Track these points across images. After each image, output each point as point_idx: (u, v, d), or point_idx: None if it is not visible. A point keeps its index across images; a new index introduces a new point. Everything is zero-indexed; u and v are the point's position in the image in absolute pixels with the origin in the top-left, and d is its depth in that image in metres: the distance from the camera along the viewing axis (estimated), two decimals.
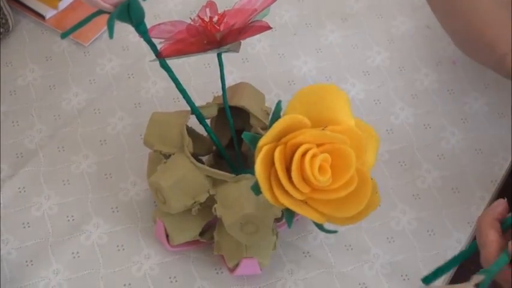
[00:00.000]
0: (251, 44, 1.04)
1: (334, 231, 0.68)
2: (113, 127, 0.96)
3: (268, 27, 0.75)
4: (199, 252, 0.87)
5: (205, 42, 0.75)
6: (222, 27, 0.76)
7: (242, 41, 0.76)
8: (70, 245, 0.87)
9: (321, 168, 0.58)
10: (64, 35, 0.75)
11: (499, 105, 1.00)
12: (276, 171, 0.59)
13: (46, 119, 0.96)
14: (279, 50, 1.04)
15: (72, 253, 0.86)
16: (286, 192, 0.59)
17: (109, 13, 0.74)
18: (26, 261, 0.85)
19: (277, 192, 0.59)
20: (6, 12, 1.01)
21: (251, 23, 0.76)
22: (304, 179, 0.59)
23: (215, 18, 0.76)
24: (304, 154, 0.58)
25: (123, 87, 1.00)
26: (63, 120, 0.96)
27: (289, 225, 0.64)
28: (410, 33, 1.07)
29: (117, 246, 0.87)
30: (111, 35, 0.70)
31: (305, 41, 1.05)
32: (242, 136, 0.63)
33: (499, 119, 0.99)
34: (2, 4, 1.00)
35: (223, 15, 0.77)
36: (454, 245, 0.89)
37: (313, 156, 0.58)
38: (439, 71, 1.03)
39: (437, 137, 0.97)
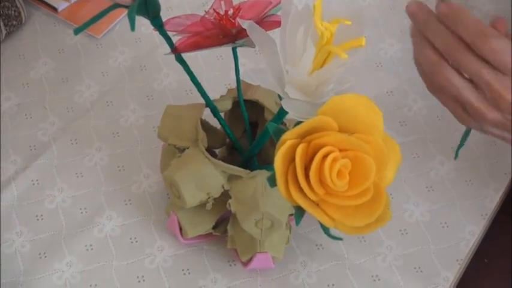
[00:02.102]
0: None
1: (339, 238, 0.68)
2: (126, 119, 0.96)
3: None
4: (212, 245, 0.87)
5: (220, 36, 0.75)
6: (237, 21, 0.75)
7: None
8: (83, 238, 0.87)
9: (339, 172, 0.58)
10: (77, 30, 0.75)
11: None
12: (294, 167, 0.59)
13: (59, 112, 0.97)
14: None
15: (85, 245, 0.86)
16: (301, 190, 0.59)
17: (125, 6, 0.74)
18: (40, 254, 0.86)
19: (292, 189, 0.59)
20: (19, 5, 1.01)
21: (265, 17, 0.75)
22: (321, 180, 0.59)
23: (230, 11, 0.76)
24: (325, 156, 0.58)
25: (135, 79, 1.00)
26: (75, 113, 0.97)
27: (297, 223, 0.64)
28: None
29: (130, 238, 0.87)
30: (133, 28, 0.71)
31: None
32: (267, 126, 0.62)
33: None
34: None
35: (238, 9, 0.76)
36: (467, 237, 0.88)
37: (334, 159, 0.58)
38: None
39: (450, 129, 0.97)
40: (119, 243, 0.87)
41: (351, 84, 0.62)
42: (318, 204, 0.60)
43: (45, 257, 0.86)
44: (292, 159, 0.59)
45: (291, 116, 0.62)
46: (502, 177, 0.93)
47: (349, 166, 0.59)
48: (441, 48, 0.70)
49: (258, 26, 0.64)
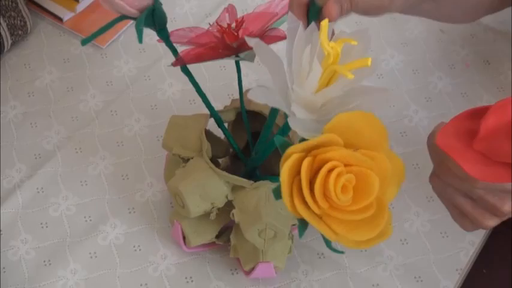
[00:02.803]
0: None
1: (341, 252, 0.69)
2: (130, 129, 0.97)
3: (284, 37, 0.75)
4: (215, 253, 0.88)
5: (224, 49, 0.76)
6: (240, 33, 0.76)
7: None
8: (87, 245, 0.88)
9: (343, 187, 0.59)
10: (85, 42, 0.76)
11: None
12: (299, 181, 0.60)
13: (64, 121, 0.98)
14: None
15: (90, 253, 0.87)
16: (305, 203, 0.60)
17: (132, 18, 0.75)
18: (44, 261, 0.87)
19: (297, 201, 0.60)
20: (24, 15, 1.02)
21: (268, 30, 0.76)
22: (325, 194, 0.60)
23: (233, 24, 0.77)
24: (330, 171, 0.59)
25: (139, 89, 1.01)
26: (80, 122, 0.98)
27: (300, 236, 0.64)
28: (424, 36, 1.08)
29: (134, 246, 0.88)
30: (140, 40, 0.72)
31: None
32: (274, 139, 0.63)
33: None
34: (20, 7, 1.01)
35: (241, 21, 0.77)
36: (467, 247, 0.89)
37: (339, 174, 0.59)
38: (452, 74, 1.04)
39: None
40: (123, 251, 0.88)
41: (356, 103, 0.63)
42: (321, 218, 0.61)
43: (50, 264, 0.86)
44: (298, 173, 0.60)
45: (297, 133, 0.62)
46: None
47: (354, 181, 0.59)
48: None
49: (264, 44, 0.65)
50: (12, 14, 1.00)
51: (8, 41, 1.01)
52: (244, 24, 0.77)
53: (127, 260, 0.87)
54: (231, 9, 0.79)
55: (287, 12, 0.75)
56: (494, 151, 0.57)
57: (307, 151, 0.60)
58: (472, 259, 0.89)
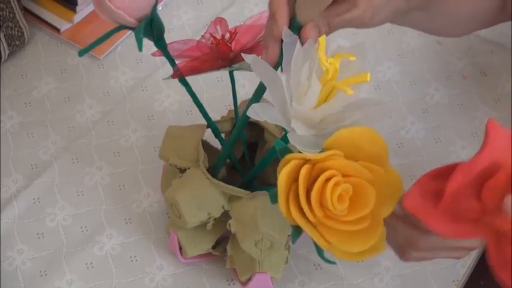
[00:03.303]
0: None
1: (333, 262, 0.69)
2: (127, 139, 0.97)
3: None
4: (211, 264, 0.87)
5: (218, 60, 0.76)
6: (233, 45, 0.76)
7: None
8: (83, 256, 0.88)
9: (340, 197, 0.59)
10: (82, 52, 0.76)
11: (510, 121, 1.01)
12: (297, 187, 0.60)
13: (61, 131, 0.98)
14: None
15: (86, 263, 0.87)
16: (301, 210, 0.60)
17: (130, 28, 0.76)
18: (40, 272, 0.86)
19: (292, 208, 0.60)
20: (22, 25, 1.02)
21: (261, 40, 0.76)
22: (321, 203, 0.60)
23: (227, 36, 0.77)
24: (328, 180, 0.59)
25: (136, 99, 1.01)
26: (77, 132, 0.98)
27: (293, 241, 0.65)
28: (421, 48, 1.08)
29: (130, 257, 0.88)
30: (140, 48, 0.72)
31: None
32: (274, 143, 0.64)
33: None
34: (18, 17, 1.01)
35: (235, 33, 0.77)
36: (464, 258, 0.89)
37: (336, 183, 0.59)
38: (449, 86, 1.04)
39: (447, 151, 0.98)
40: (119, 262, 0.88)
41: (356, 117, 0.63)
42: (315, 227, 0.61)
43: (46, 274, 0.86)
44: (296, 179, 0.60)
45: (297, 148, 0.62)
46: None
47: (350, 191, 0.60)
48: None
49: (262, 60, 0.65)
50: (10, 24, 1.00)
51: (5, 52, 1.01)
52: (237, 35, 0.77)
53: (123, 271, 0.87)
54: (220, 22, 0.79)
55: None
56: (461, 209, 0.58)
57: (307, 158, 0.60)
58: (469, 270, 0.89)
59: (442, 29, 0.84)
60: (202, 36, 0.79)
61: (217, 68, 0.77)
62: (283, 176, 0.60)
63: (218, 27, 0.78)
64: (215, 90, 1.02)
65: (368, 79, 0.63)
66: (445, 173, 0.58)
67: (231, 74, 0.80)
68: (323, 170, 0.59)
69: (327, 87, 0.63)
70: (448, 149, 0.98)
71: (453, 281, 0.87)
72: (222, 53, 0.76)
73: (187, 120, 0.95)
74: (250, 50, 0.76)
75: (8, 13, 0.99)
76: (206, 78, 1.02)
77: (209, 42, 0.78)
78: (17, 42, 1.02)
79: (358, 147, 0.61)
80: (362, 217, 0.60)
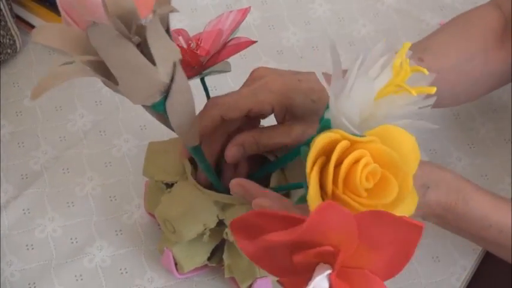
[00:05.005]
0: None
1: None
2: (118, 149, 0.96)
3: (253, 42, 0.76)
4: (202, 276, 0.86)
5: (195, 67, 0.75)
6: (199, 51, 0.76)
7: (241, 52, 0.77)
8: (73, 268, 0.87)
9: (367, 177, 0.59)
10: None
11: (506, 131, 1.00)
12: (324, 160, 0.59)
13: (51, 141, 0.97)
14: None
15: (75, 276, 0.86)
16: (321, 178, 0.59)
17: None
18: (29, 284, 0.85)
19: (314, 173, 0.59)
20: (13, 33, 1.01)
21: (229, 41, 0.76)
22: (346, 179, 0.59)
23: (193, 44, 0.76)
24: (357, 161, 0.59)
25: (128, 109, 1.00)
26: (68, 142, 0.96)
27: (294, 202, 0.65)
28: None
29: (121, 269, 0.87)
30: None
31: (312, 60, 1.05)
32: (300, 149, 0.63)
33: (505, 144, 0.99)
34: (9, 25, 1.00)
35: (200, 39, 0.77)
36: (459, 271, 0.88)
37: (367, 164, 0.59)
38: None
39: (443, 162, 0.97)
40: (109, 274, 0.87)
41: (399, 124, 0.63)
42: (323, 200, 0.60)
43: (35, 287, 0.85)
44: (324, 153, 0.59)
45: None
46: None
47: (378, 176, 0.59)
48: None
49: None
50: (1, 32, 0.99)
51: None
52: (201, 42, 0.76)
53: (113, 283, 0.86)
54: (179, 32, 0.78)
55: (236, 27, 0.76)
56: (273, 254, 0.57)
57: (348, 138, 0.60)
58: (464, 284, 0.88)
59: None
60: None
61: (194, 76, 0.76)
62: (320, 140, 0.59)
63: (180, 38, 0.77)
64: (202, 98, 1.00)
65: (434, 91, 0.63)
66: (284, 220, 0.56)
67: (202, 80, 0.79)
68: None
69: (392, 85, 0.63)
70: (444, 160, 0.97)
71: None
72: (193, 61, 0.75)
73: None
74: (218, 54, 0.75)
75: None
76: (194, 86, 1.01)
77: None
78: (9, 51, 1.01)
79: (396, 147, 0.60)
80: (376, 206, 0.59)
